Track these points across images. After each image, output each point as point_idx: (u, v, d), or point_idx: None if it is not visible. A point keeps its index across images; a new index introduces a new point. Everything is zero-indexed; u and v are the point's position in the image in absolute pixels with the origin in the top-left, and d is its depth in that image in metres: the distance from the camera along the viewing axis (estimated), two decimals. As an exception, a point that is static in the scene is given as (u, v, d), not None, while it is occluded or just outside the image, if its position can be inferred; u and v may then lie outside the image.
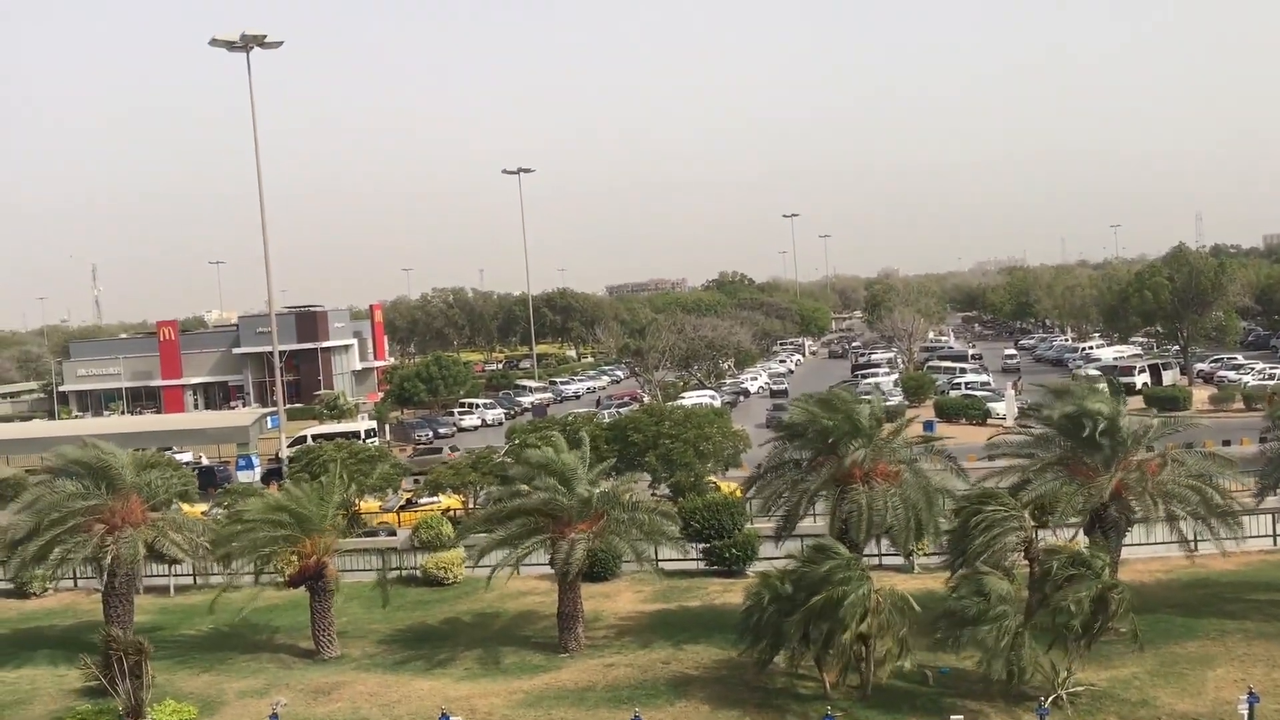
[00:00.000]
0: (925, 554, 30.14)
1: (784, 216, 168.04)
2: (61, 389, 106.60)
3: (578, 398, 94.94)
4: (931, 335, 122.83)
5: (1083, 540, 25.47)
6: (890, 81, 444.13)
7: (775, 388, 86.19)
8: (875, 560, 29.91)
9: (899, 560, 30.69)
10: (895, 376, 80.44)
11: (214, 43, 50.82)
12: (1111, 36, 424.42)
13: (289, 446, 54.07)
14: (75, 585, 35.48)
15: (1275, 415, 30.12)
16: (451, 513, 40.45)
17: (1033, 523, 22.83)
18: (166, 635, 28.52)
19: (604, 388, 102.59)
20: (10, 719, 24.08)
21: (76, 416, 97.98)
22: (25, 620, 32.53)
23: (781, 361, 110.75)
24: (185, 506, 36.00)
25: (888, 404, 59.91)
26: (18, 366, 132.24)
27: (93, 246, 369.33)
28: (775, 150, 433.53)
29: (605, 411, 62.50)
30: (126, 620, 27.59)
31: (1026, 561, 22.13)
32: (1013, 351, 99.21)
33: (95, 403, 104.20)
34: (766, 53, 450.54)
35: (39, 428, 75.21)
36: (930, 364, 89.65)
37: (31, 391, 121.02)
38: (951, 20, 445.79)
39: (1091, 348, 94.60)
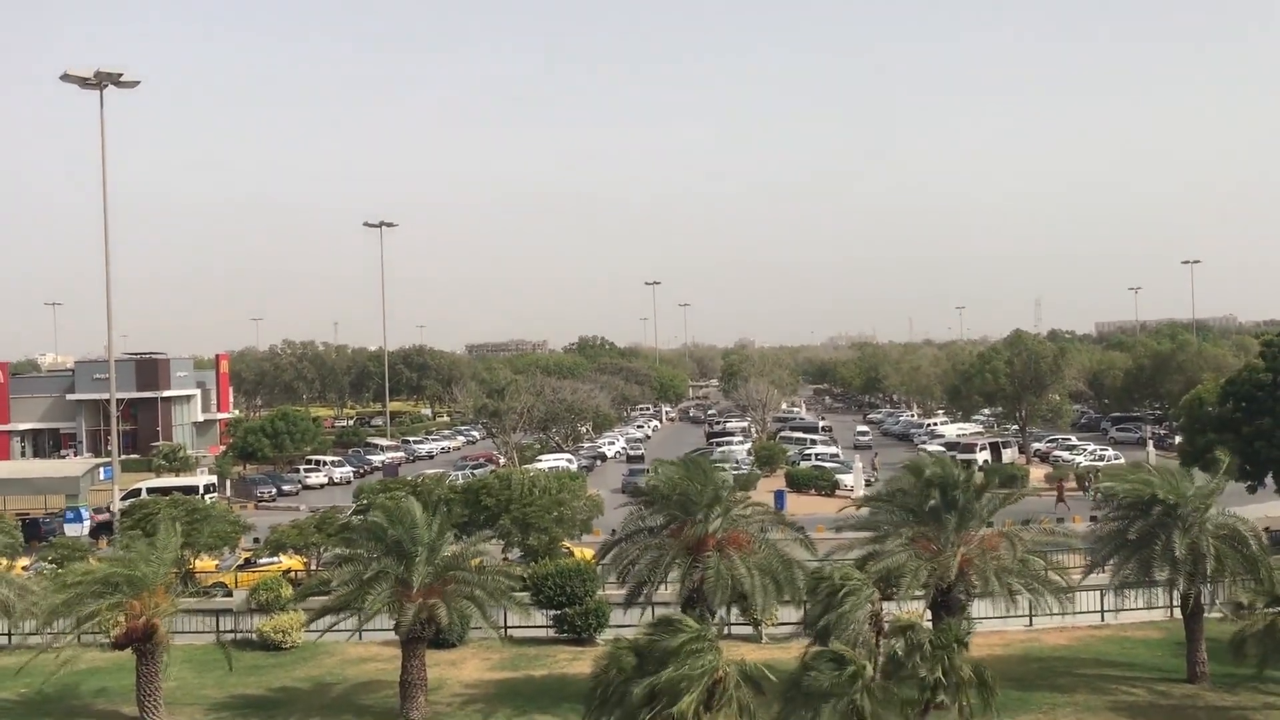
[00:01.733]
0: (774, 624, 30.37)
1: (645, 284, 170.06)
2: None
3: (431, 457, 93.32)
4: (784, 406, 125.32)
5: (926, 615, 26.07)
6: (744, 161, 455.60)
7: (632, 453, 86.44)
8: (724, 630, 29.98)
9: (747, 630, 30.83)
10: (749, 445, 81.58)
11: (66, 78, 48.97)
12: (962, 135, 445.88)
13: (122, 499, 51.52)
14: (-127, 644, 32.88)
15: (1099, 493, 31.35)
16: (292, 574, 39.05)
17: (879, 596, 23.21)
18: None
19: (459, 448, 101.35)
20: None
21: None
22: None
23: (639, 427, 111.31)
24: (4, 561, 33.91)
25: (741, 472, 60.97)
26: None
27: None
28: (638, 216, 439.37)
29: (460, 472, 61.56)
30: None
31: (874, 634, 22.45)
32: (865, 428, 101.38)
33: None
34: (628, 124, 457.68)
35: None
36: (783, 434, 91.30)
37: None
38: (797, 102, 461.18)
39: (936, 424, 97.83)
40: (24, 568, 38.26)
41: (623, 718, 21.44)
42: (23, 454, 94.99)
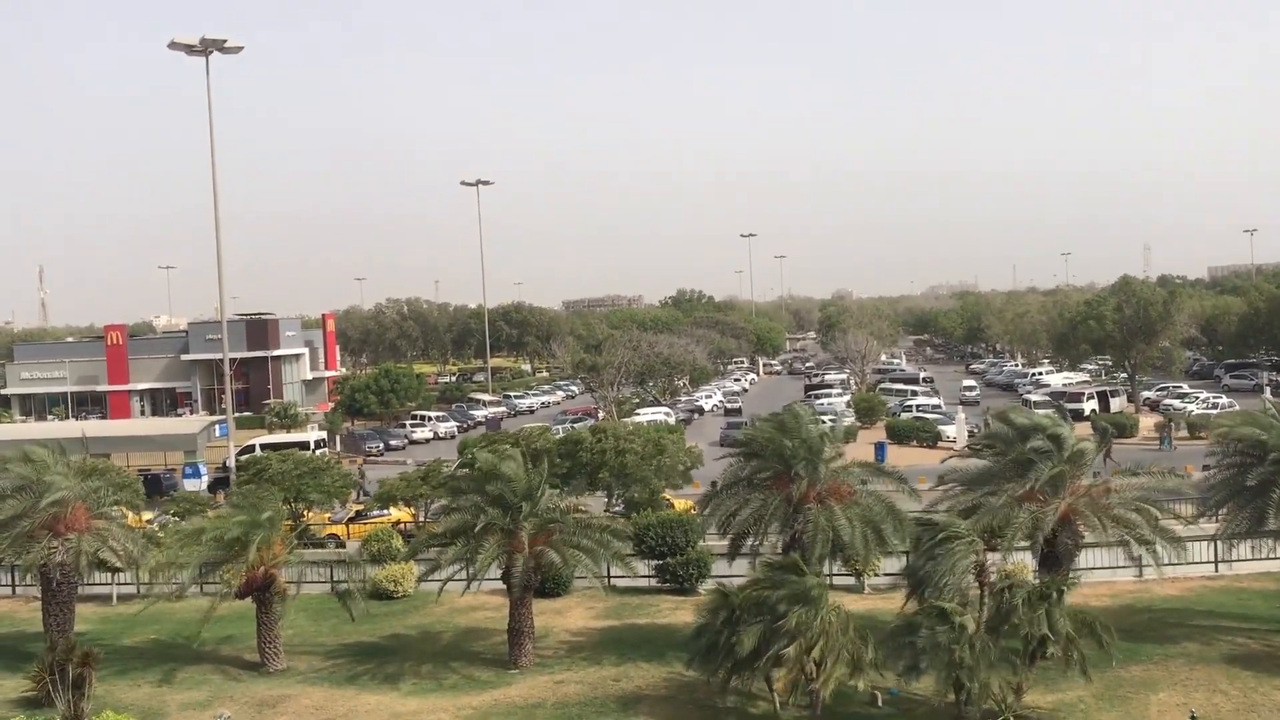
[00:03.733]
0: (876, 575, 30.32)
1: (741, 236, 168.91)
2: (3, 392, 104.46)
3: (532, 412, 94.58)
4: (884, 357, 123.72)
5: (1032, 565, 25.77)
6: (849, 101, 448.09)
7: (729, 406, 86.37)
8: (826, 580, 30.01)
9: (849, 580, 30.83)
10: (848, 397, 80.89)
11: (173, 46, 50.20)
12: (1081, 63, 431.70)
13: (236, 455, 53.35)
14: (14, 593, 34.77)
15: (1219, 436, 30.25)
16: (401, 525, 40.12)
17: (984, 547, 23.01)
18: (108, 645, 27.93)
19: (559, 403, 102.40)
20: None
21: (19, 420, 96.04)
22: (-40, 628, 31.79)
23: (736, 380, 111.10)
24: (130, 514, 35.46)
25: (841, 424, 60.64)
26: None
27: (41, 248, 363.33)
28: (733, 167, 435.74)
29: (560, 427, 62.32)
30: (67, 629, 27.13)
31: (978, 585, 22.31)
32: (972, 383, 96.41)
33: (39, 406, 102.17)
34: (731, 75, 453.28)
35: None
36: (882, 386, 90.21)
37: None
38: (916, 33, 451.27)
39: (1041, 373, 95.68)
40: (147, 521, 39.96)
41: (731, 666, 21.73)
42: (142, 413, 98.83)
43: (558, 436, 46.07)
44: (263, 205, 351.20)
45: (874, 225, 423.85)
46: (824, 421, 28.86)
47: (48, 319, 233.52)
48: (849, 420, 67.22)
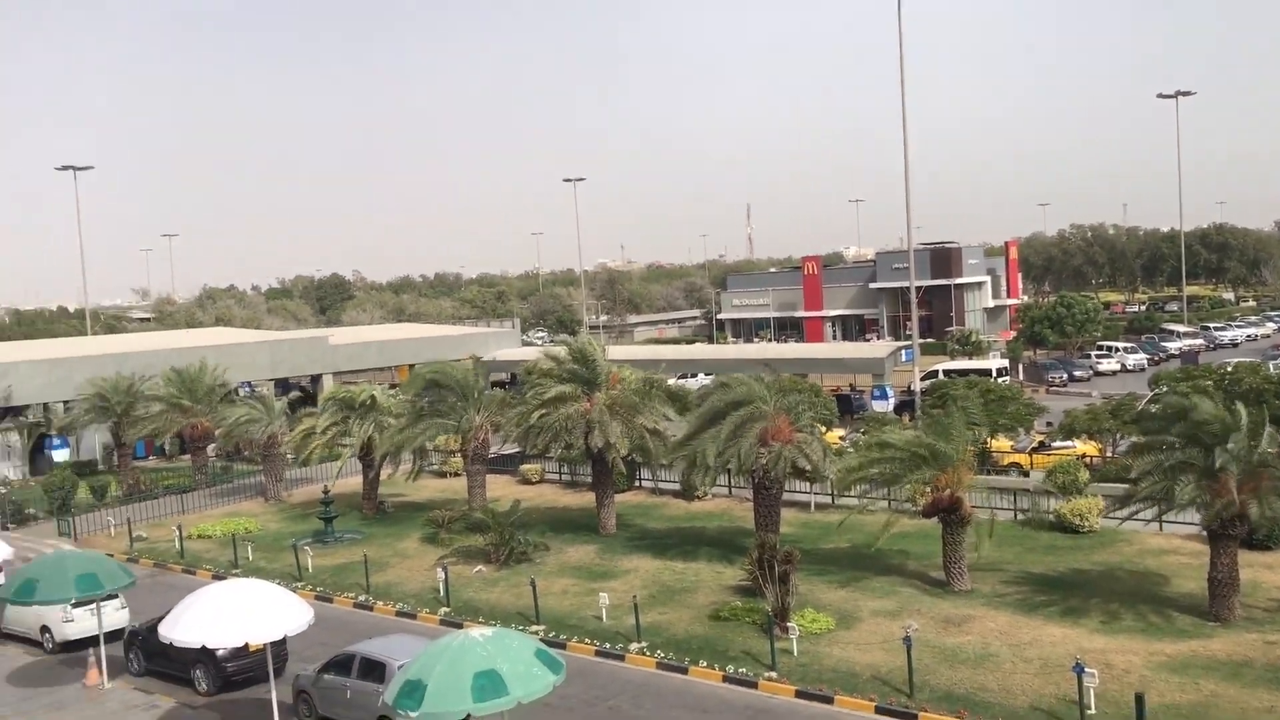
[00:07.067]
0: None
1: None
2: (719, 317, 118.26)
3: (1235, 345, 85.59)
4: None
5: None
6: None
7: None
8: None
9: None
10: None
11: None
12: None
13: (921, 380, 55.06)
14: (729, 493, 39.44)
15: None
16: (1087, 459, 38.77)
17: None
18: (806, 548, 30.61)
19: (1268, 335, 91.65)
20: (681, 602, 27.51)
21: (731, 342, 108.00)
22: (690, 519, 36.82)
23: None
24: (824, 430, 38.36)
25: None
26: (684, 296, 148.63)
27: (749, 186, 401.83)
28: None
29: (1273, 363, 55.72)
30: (773, 528, 30.18)
31: None
32: None
33: (746, 330, 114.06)
34: None
35: (700, 350, 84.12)
36: None
37: (695, 318, 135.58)
38: None
39: None
40: (839, 437, 42.92)
41: None
42: (833, 337, 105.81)
43: (1272, 374, 41.25)
44: (947, 132, 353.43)
45: None
46: None
47: (753, 252, 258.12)
48: None
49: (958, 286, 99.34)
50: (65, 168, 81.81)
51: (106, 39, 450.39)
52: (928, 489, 27.67)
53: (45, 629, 27.28)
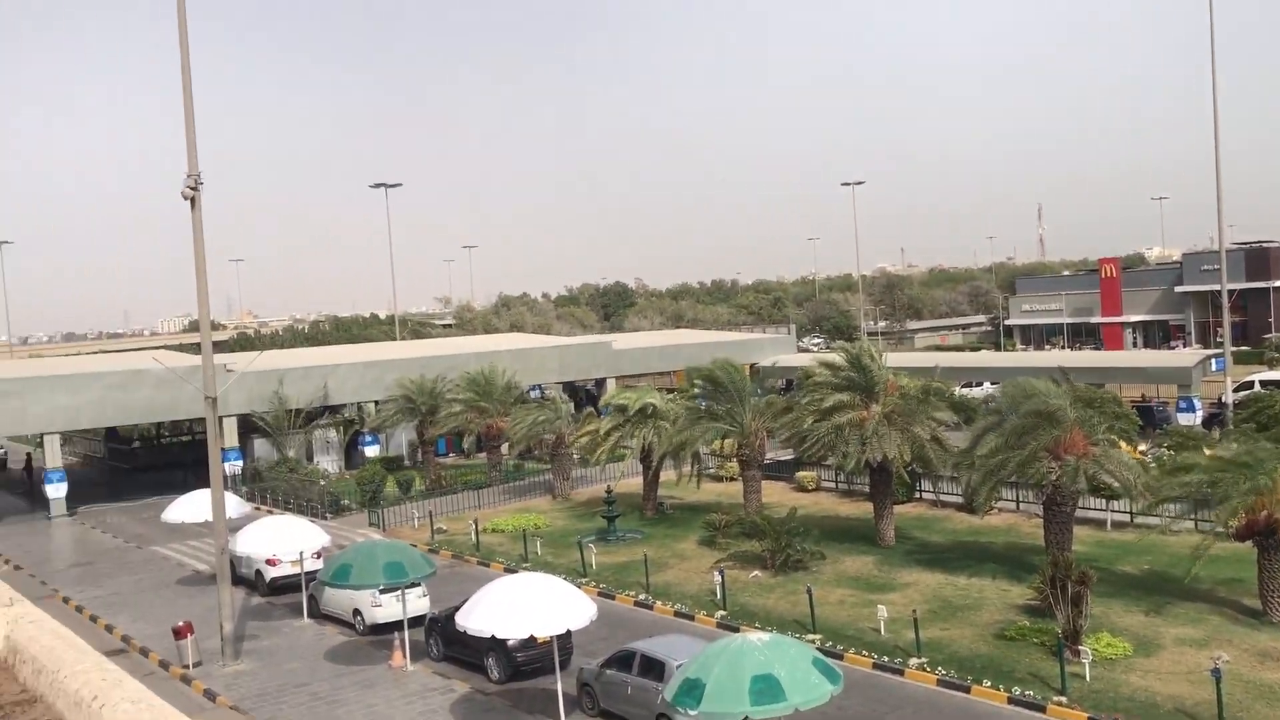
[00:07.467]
0: None
1: None
2: (1007, 322, 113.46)
3: None
4: None
5: None
6: None
7: None
8: None
9: None
10: None
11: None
12: None
13: (1234, 391, 50.82)
14: (1017, 508, 37.78)
15: None
16: None
17: None
18: (1101, 568, 28.91)
19: None
20: (964, 619, 26.63)
21: (1020, 349, 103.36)
22: (974, 534, 35.52)
23: None
24: (1123, 444, 36.07)
25: None
26: (969, 300, 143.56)
27: (1039, 188, 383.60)
28: None
29: None
30: (1065, 547, 28.68)
31: None
32: None
33: (1037, 336, 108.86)
34: None
35: (986, 358, 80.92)
36: None
37: (980, 324, 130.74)
38: None
39: None
40: (1141, 451, 40.18)
41: None
42: (1133, 344, 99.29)
43: None
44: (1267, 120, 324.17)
45: None
46: None
47: (1045, 254, 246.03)
48: None
49: (1276, 289, 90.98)
50: (377, 185, 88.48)
51: (422, 74, 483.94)
52: (1242, 510, 25.50)
53: (357, 612, 29.60)
